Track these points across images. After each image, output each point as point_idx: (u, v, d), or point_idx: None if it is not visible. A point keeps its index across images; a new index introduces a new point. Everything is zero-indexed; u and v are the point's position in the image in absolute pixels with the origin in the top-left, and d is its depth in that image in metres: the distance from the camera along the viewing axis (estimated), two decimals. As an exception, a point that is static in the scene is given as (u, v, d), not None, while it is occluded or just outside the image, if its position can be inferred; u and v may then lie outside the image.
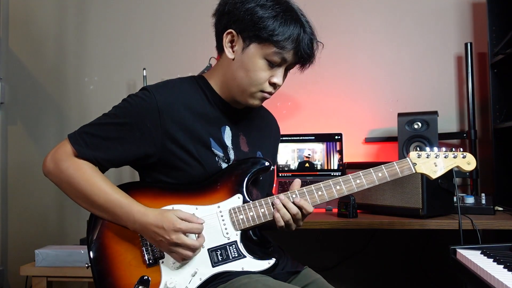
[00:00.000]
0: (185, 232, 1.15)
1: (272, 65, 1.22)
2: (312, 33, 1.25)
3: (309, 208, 1.22)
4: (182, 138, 1.23)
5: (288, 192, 1.25)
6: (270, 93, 1.27)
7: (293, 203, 1.21)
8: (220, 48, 1.29)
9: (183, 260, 1.18)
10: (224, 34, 1.25)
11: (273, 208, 1.22)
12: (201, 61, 2.34)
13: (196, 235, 1.18)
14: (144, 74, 2.48)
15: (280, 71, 1.25)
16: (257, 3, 1.20)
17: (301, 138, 2.37)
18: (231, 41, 1.25)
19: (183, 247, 1.15)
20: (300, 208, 1.21)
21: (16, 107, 2.81)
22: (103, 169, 1.25)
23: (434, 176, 1.28)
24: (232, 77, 1.26)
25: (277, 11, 1.19)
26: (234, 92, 1.27)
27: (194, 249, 1.17)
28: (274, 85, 1.26)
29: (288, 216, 1.21)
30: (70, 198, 1.24)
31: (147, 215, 1.17)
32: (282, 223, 1.21)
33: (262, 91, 1.25)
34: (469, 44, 2.25)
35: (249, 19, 1.19)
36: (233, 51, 1.25)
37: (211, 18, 1.31)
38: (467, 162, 1.29)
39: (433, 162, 1.28)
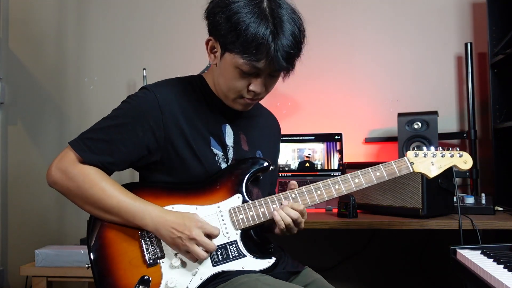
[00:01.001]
0: (205, 232, 1.16)
1: (246, 74, 1.18)
2: (289, 44, 1.13)
3: (299, 206, 1.21)
4: (185, 132, 1.23)
5: (287, 191, 1.25)
6: (252, 99, 1.25)
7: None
8: None
9: (196, 261, 1.19)
10: (205, 41, 1.24)
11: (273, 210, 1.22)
12: (201, 61, 2.34)
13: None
14: (144, 74, 2.48)
15: (257, 80, 1.20)
16: (232, 11, 1.13)
17: (301, 138, 2.37)
18: (212, 47, 1.23)
19: (200, 246, 1.16)
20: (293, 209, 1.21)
21: (16, 107, 2.81)
22: (109, 173, 1.25)
23: (431, 175, 1.29)
24: (217, 82, 1.26)
25: (250, 20, 1.11)
26: (220, 95, 1.28)
27: (209, 250, 1.18)
28: (254, 93, 1.22)
29: (288, 220, 1.20)
30: (78, 206, 1.24)
31: (166, 213, 1.18)
32: (283, 226, 1.21)
33: (242, 97, 1.24)
34: (469, 44, 2.25)
35: (223, 28, 1.15)
36: (215, 57, 1.23)
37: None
38: (464, 161, 1.30)
39: (430, 161, 1.29)
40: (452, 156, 1.30)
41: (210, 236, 1.18)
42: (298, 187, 1.26)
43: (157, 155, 1.24)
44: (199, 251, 1.16)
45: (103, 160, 1.21)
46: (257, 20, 1.12)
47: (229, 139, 1.31)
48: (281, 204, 1.22)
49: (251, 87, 1.20)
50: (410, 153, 1.30)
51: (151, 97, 1.22)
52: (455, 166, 1.31)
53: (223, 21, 1.14)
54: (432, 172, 1.29)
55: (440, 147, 1.32)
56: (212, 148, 1.27)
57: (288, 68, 1.19)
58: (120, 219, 1.20)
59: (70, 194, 1.22)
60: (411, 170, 1.28)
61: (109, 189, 1.19)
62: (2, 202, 2.78)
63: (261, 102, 1.37)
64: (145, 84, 2.43)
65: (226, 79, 1.21)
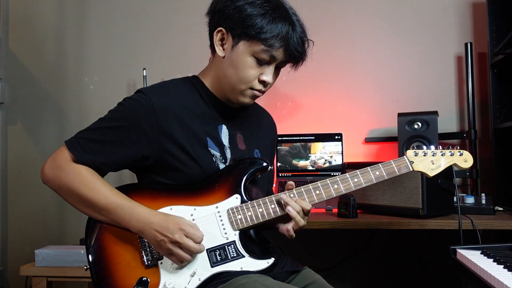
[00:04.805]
0: (187, 235, 1.15)
1: (261, 62, 1.23)
2: (302, 31, 1.24)
3: (307, 206, 1.22)
4: (180, 137, 1.23)
5: (286, 192, 1.25)
6: (261, 91, 1.27)
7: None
8: (212, 47, 1.30)
9: (181, 263, 1.18)
10: (215, 32, 1.26)
11: (283, 204, 1.22)
12: (201, 61, 2.30)
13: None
14: (144, 74, 2.48)
15: (269, 69, 1.25)
16: (246, 1, 1.20)
17: (301, 138, 2.37)
18: (222, 39, 1.26)
19: (183, 249, 1.15)
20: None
21: (16, 107, 2.81)
22: (102, 174, 1.25)
23: (431, 174, 1.29)
24: (223, 75, 1.26)
25: (265, 9, 1.19)
26: (225, 90, 1.28)
27: (193, 253, 1.17)
28: (264, 83, 1.26)
29: (298, 208, 1.21)
30: (70, 204, 1.24)
31: (153, 215, 1.18)
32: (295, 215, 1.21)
33: (252, 89, 1.26)
34: (469, 44, 2.24)
35: (238, 17, 1.20)
36: (224, 49, 1.26)
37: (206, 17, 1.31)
38: (464, 159, 1.30)
39: (430, 160, 1.29)
40: (452, 154, 1.30)
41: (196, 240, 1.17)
42: (298, 187, 1.26)
43: (152, 158, 1.23)
44: (182, 253, 1.16)
45: (95, 160, 1.21)
46: (275, 11, 1.20)
47: (225, 139, 1.31)
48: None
49: (263, 77, 1.24)
50: (410, 152, 1.30)
51: (146, 101, 1.22)
52: (455, 164, 1.30)
53: (239, 10, 1.20)
54: (432, 171, 1.29)
55: (440, 146, 1.32)
56: (209, 149, 1.27)
57: (304, 56, 1.26)
58: (108, 220, 1.21)
59: (62, 192, 1.22)
60: (411, 169, 1.28)
61: (99, 189, 1.19)
62: (2, 202, 2.78)
63: (261, 101, 1.37)
64: (145, 84, 2.45)
65: (238, 69, 1.23)
